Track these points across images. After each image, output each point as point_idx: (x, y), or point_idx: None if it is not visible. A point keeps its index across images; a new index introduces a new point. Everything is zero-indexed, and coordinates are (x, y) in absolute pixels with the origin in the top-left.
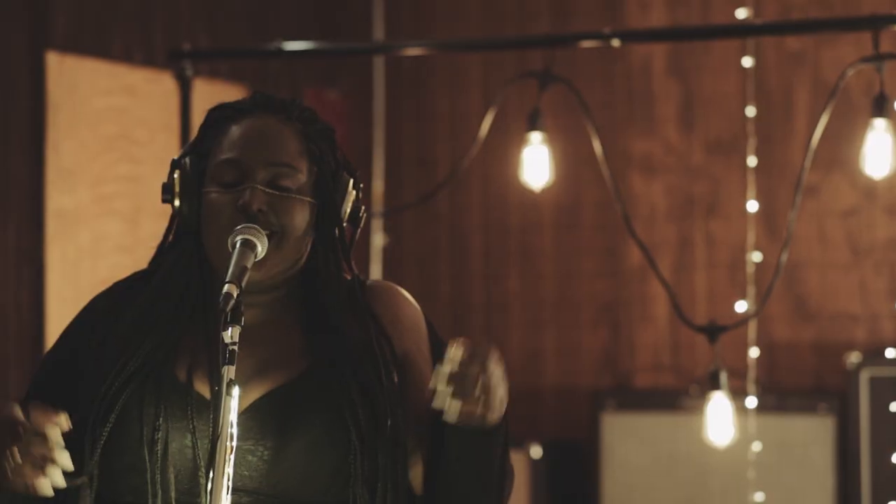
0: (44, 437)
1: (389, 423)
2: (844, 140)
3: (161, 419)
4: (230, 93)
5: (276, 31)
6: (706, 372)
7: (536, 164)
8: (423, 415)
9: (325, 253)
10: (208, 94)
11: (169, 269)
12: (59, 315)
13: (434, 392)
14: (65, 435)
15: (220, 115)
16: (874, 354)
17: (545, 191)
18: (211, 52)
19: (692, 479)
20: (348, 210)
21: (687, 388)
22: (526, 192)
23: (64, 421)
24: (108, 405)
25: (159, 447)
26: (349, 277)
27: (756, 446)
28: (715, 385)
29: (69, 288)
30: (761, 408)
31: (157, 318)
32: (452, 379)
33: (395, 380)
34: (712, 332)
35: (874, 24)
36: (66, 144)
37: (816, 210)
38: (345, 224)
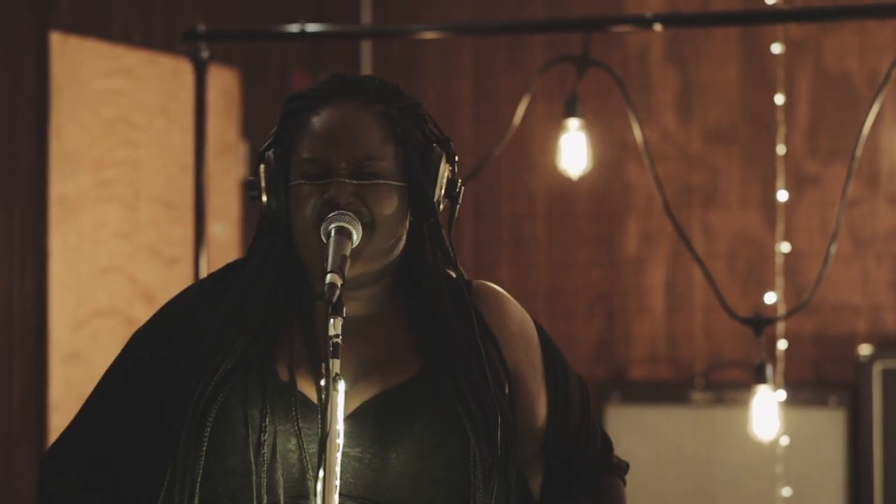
0: None
1: (503, 429)
2: (847, 130)
3: (267, 421)
4: (222, 76)
5: (268, 14)
6: (708, 364)
7: (575, 151)
8: (536, 426)
9: (422, 238)
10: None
11: (259, 262)
12: (60, 302)
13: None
14: (152, 432)
15: (298, 106)
16: (885, 346)
17: (537, 179)
18: (226, 33)
19: (699, 471)
20: (443, 186)
21: (688, 380)
22: (518, 181)
23: None
24: (207, 404)
25: (266, 450)
26: (454, 276)
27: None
28: (761, 378)
29: (70, 275)
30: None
31: (250, 312)
32: None
33: (505, 386)
34: (758, 324)
35: None
36: (68, 128)
37: (818, 200)
38: (442, 201)
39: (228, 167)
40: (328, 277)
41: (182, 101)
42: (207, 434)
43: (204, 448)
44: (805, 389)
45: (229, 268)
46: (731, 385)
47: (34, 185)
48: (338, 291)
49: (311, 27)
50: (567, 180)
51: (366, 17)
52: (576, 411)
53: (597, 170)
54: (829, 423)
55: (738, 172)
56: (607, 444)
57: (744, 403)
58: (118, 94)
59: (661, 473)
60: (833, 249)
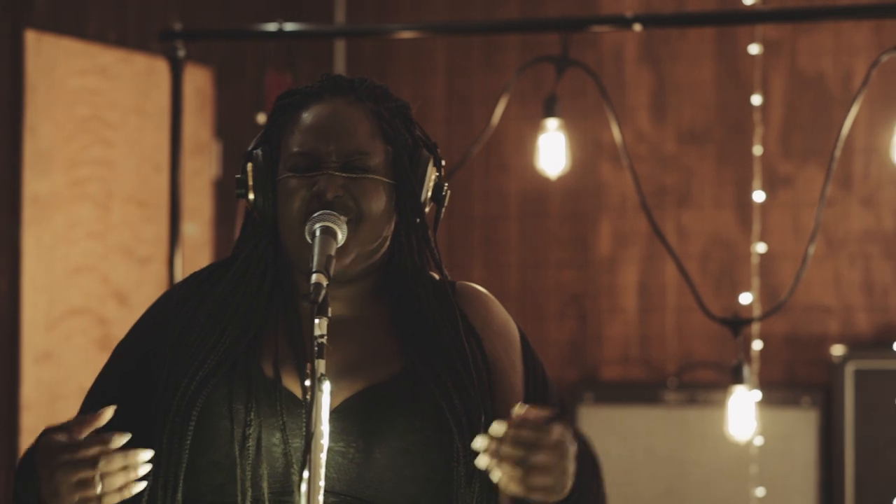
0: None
1: (485, 426)
2: (820, 131)
3: (252, 415)
4: (196, 75)
5: (242, 13)
6: (681, 365)
7: (553, 151)
8: None
9: (407, 240)
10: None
11: (245, 260)
12: (33, 302)
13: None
14: (138, 427)
15: (288, 102)
16: (858, 347)
17: (510, 179)
18: (203, 32)
19: (671, 472)
20: (430, 188)
21: (660, 380)
22: (490, 181)
23: (115, 441)
24: (192, 399)
25: (251, 444)
26: (438, 277)
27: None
28: (738, 379)
29: (43, 275)
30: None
31: (236, 309)
32: (501, 442)
33: (487, 384)
34: (735, 324)
35: None
36: (43, 126)
37: (790, 201)
38: (427, 203)
39: (201, 167)
40: (313, 277)
41: (156, 100)
42: (192, 428)
43: (188, 442)
44: (777, 390)
45: (213, 267)
46: (703, 385)
47: (8, 184)
48: (323, 291)
49: (289, 26)
50: (540, 180)
51: (340, 16)
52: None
53: (569, 170)
54: (802, 424)
55: (712, 173)
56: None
57: (717, 404)
58: (92, 93)
59: (634, 474)
60: (811, 250)
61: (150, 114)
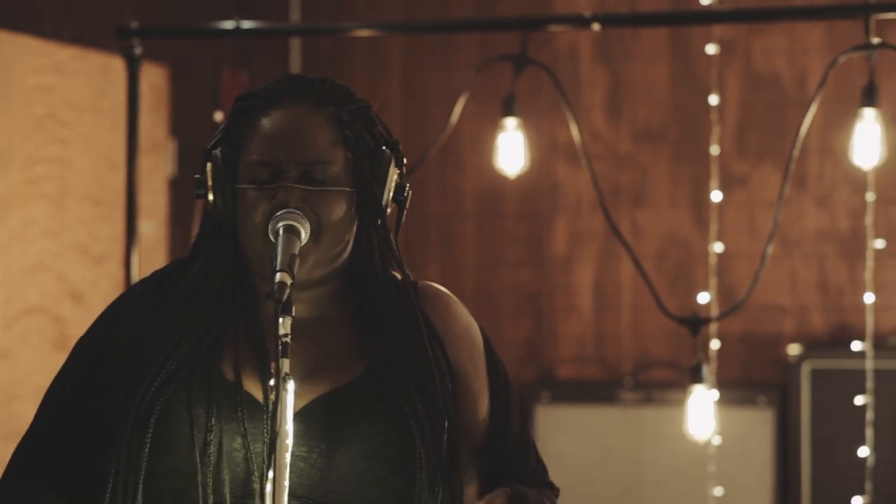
0: None
1: (448, 432)
2: (775, 131)
3: (213, 420)
4: (151, 73)
5: (197, 11)
6: (637, 364)
7: (512, 150)
8: (475, 430)
9: (369, 242)
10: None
11: (205, 262)
12: None
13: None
14: (98, 431)
15: (248, 105)
16: (814, 346)
17: (466, 178)
18: (160, 30)
19: (628, 471)
20: (391, 189)
21: (616, 379)
22: (446, 180)
23: None
24: (150, 404)
25: (212, 450)
26: (400, 277)
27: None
28: (697, 378)
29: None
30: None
31: (196, 311)
32: None
33: (450, 387)
34: (694, 324)
35: (866, 10)
36: (0, 125)
37: (745, 200)
38: (389, 205)
39: (156, 165)
40: (277, 276)
41: (111, 98)
42: (150, 433)
43: (147, 447)
44: (733, 389)
45: (173, 267)
46: (659, 385)
47: None
48: (287, 290)
49: (246, 24)
50: (496, 180)
51: (295, 15)
52: (516, 422)
53: (525, 170)
54: (758, 423)
55: (667, 172)
56: (542, 465)
57: (673, 403)
58: (48, 91)
59: (591, 473)
60: (770, 250)
61: (106, 112)
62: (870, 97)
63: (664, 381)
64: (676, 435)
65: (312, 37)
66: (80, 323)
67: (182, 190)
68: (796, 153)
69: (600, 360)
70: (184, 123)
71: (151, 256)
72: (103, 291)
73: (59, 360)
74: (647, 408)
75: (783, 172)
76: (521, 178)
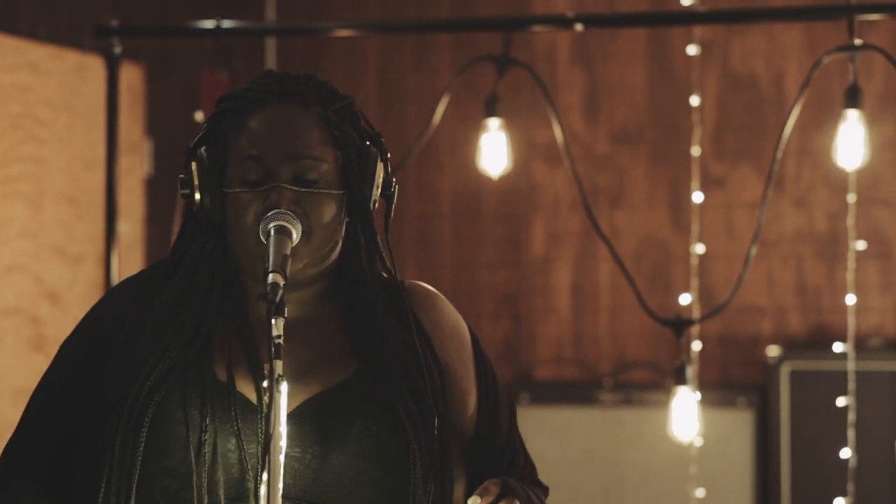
0: None
1: (439, 429)
2: (753, 132)
3: (207, 420)
4: (127, 72)
5: (173, 10)
6: (616, 365)
7: (495, 151)
8: (463, 428)
9: (357, 241)
10: (104, 72)
11: (193, 262)
12: None
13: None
14: (87, 433)
15: (233, 106)
16: (794, 347)
17: (443, 179)
18: (140, 29)
19: (608, 472)
20: (379, 186)
21: (595, 380)
22: (423, 180)
23: None
24: (144, 404)
25: (207, 450)
26: (387, 276)
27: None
28: (681, 380)
29: None
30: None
31: (186, 312)
32: None
33: (439, 384)
34: (678, 325)
35: (849, 11)
36: None
37: (723, 202)
38: (377, 201)
39: (132, 165)
40: (270, 277)
41: (86, 98)
42: (144, 434)
43: (141, 448)
44: (712, 390)
45: (158, 267)
46: (638, 386)
47: None
48: (280, 291)
49: (226, 23)
50: (473, 180)
51: (271, 13)
52: (504, 420)
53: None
54: (737, 425)
55: (645, 173)
56: (531, 464)
57: (652, 404)
58: (24, 90)
59: (570, 474)
60: (753, 251)
61: (81, 111)
62: (853, 99)
63: (643, 382)
64: (656, 436)
65: (289, 36)
66: (57, 324)
67: (158, 190)
68: (780, 154)
69: (578, 361)
70: (160, 123)
71: (128, 257)
72: (80, 292)
73: (37, 360)
74: (627, 409)
75: (760, 174)
76: (499, 179)
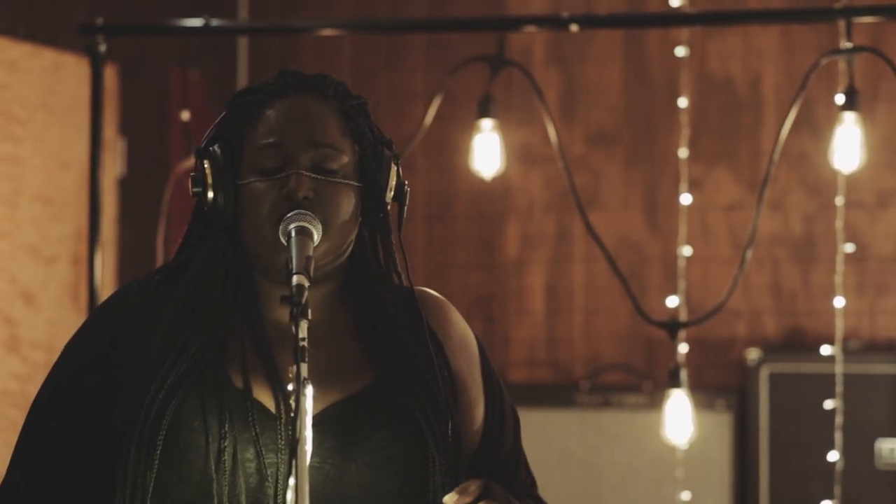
0: None
1: (454, 437)
2: (728, 134)
3: (226, 429)
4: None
5: (147, 8)
6: (590, 367)
7: (488, 152)
8: (469, 438)
9: (372, 240)
10: (80, 71)
11: (204, 262)
12: None
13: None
14: (93, 439)
15: (249, 100)
16: (773, 350)
17: (416, 180)
18: (126, 27)
19: (585, 475)
20: (393, 188)
21: (569, 383)
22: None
23: None
24: (160, 411)
25: (227, 459)
26: (396, 281)
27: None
28: (675, 383)
29: None
30: (652, 405)
31: (199, 316)
32: None
33: (451, 392)
34: (673, 327)
35: (847, 14)
36: None
37: (699, 204)
38: (389, 203)
39: (105, 164)
40: (294, 279)
41: (63, 96)
42: (161, 442)
43: (157, 456)
44: (697, 393)
45: (168, 270)
46: (613, 388)
47: None
48: (306, 293)
49: (215, 22)
50: (447, 181)
51: (243, 12)
52: (509, 432)
53: (476, 172)
54: (716, 427)
55: (620, 175)
56: (531, 478)
57: (630, 407)
58: (1, 88)
59: (547, 477)
60: (749, 254)
61: (57, 110)
62: (850, 101)
63: (617, 384)
64: (634, 439)
65: (266, 36)
66: (31, 324)
67: (131, 190)
68: (776, 156)
69: (552, 363)
70: (133, 122)
71: (101, 256)
72: (54, 292)
73: (11, 361)
74: (605, 411)
75: (736, 176)
76: (472, 181)
